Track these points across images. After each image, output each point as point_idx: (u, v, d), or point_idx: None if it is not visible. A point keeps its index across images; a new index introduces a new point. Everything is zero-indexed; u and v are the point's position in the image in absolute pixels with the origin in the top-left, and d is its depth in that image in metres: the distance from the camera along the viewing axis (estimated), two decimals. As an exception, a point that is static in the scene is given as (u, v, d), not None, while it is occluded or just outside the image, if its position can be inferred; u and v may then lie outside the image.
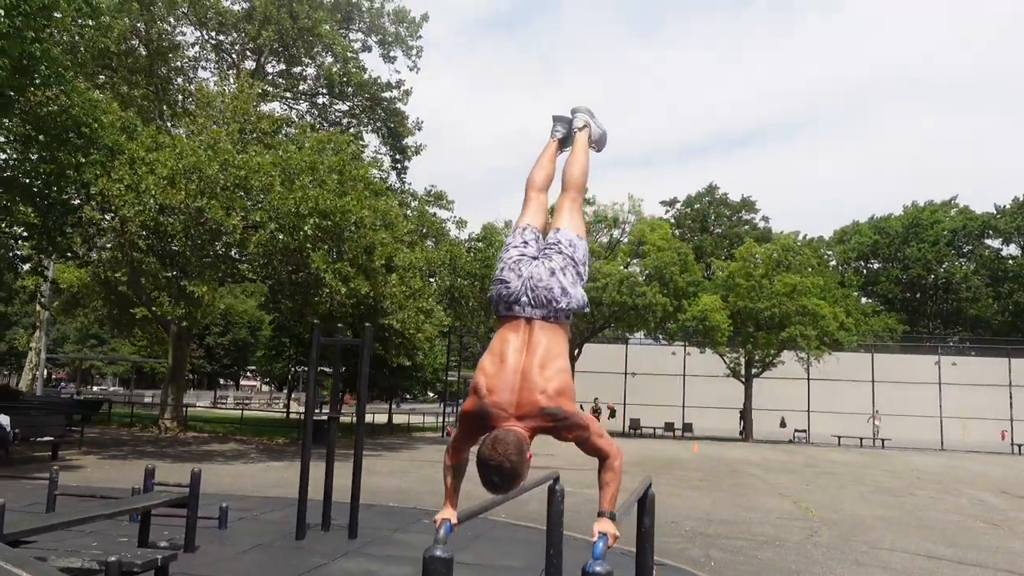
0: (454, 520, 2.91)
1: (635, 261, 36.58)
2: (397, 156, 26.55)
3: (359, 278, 17.32)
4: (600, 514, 2.82)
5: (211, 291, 15.45)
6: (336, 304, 18.27)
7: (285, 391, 52.84)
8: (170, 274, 16.35)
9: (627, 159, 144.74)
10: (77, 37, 15.01)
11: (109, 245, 15.60)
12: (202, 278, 15.59)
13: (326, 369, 38.36)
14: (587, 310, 3.17)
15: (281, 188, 15.87)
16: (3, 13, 10.76)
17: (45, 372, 65.84)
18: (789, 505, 12.79)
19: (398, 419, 36.13)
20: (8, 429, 13.93)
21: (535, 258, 3.09)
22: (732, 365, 36.91)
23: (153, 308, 17.73)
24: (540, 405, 2.72)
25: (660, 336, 41.66)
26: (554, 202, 3.50)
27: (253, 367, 61.62)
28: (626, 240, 37.66)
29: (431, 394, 60.26)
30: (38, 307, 28.86)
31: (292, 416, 35.41)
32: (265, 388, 71.49)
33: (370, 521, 8.59)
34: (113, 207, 14.59)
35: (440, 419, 31.92)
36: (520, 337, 2.89)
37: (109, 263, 16.10)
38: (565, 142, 3.62)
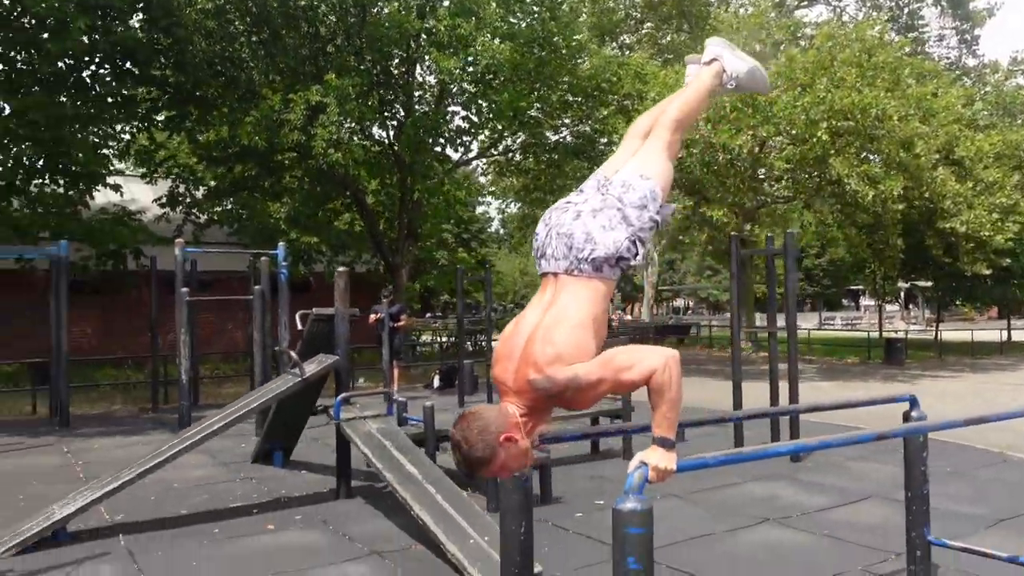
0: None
1: None
2: (964, 27, 22.25)
3: (893, 178, 15.38)
4: (653, 441, 2.36)
5: (728, 215, 15.68)
6: (884, 209, 16.56)
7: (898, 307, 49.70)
8: (686, 203, 17.21)
9: None
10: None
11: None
12: (722, 203, 15.98)
13: (919, 283, 34.76)
14: (636, 260, 2.53)
15: (786, 97, 15.13)
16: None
17: (680, 302, 75.79)
18: None
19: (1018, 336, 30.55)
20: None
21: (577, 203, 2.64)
22: None
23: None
24: (528, 378, 2.37)
25: None
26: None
27: (857, 286, 59.43)
28: None
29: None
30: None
31: (884, 335, 33.25)
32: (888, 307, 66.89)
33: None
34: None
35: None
36: (544, 297, 2.51)
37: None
38: None
